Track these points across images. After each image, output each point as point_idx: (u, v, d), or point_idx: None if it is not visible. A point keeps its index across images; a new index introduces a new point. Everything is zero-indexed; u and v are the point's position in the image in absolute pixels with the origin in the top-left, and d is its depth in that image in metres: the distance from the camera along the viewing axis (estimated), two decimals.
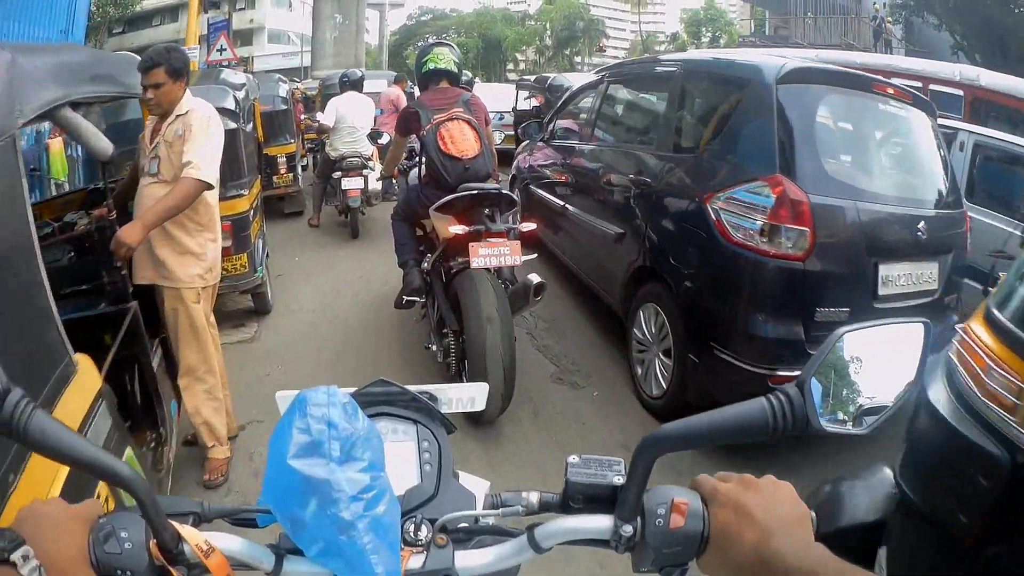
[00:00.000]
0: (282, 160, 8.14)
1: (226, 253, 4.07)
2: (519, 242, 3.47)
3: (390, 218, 4.24)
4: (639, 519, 0.70)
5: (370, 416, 0.75)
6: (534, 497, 0.77)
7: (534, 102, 11.98)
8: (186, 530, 0.69)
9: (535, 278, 3.56)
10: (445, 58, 3.86)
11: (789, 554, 0.63)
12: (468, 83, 9.01)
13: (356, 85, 7.81)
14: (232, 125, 4.32)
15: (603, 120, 5.25)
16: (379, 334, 4.86)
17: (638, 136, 4.77)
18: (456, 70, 3.93)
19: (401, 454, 0.84)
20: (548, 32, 58.30)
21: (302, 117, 10.15)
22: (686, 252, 3.49)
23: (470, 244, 3.35)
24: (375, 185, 7.36)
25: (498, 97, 12.02)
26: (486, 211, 3.55)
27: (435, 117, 3.61)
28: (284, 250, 6.92)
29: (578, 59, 58.74)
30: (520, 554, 0.74)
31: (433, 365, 3.98)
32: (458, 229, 3.41)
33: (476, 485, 0.88)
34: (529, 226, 3.72)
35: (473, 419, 3.46)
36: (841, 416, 0.71)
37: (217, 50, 15.25)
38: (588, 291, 5.06)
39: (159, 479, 2.50)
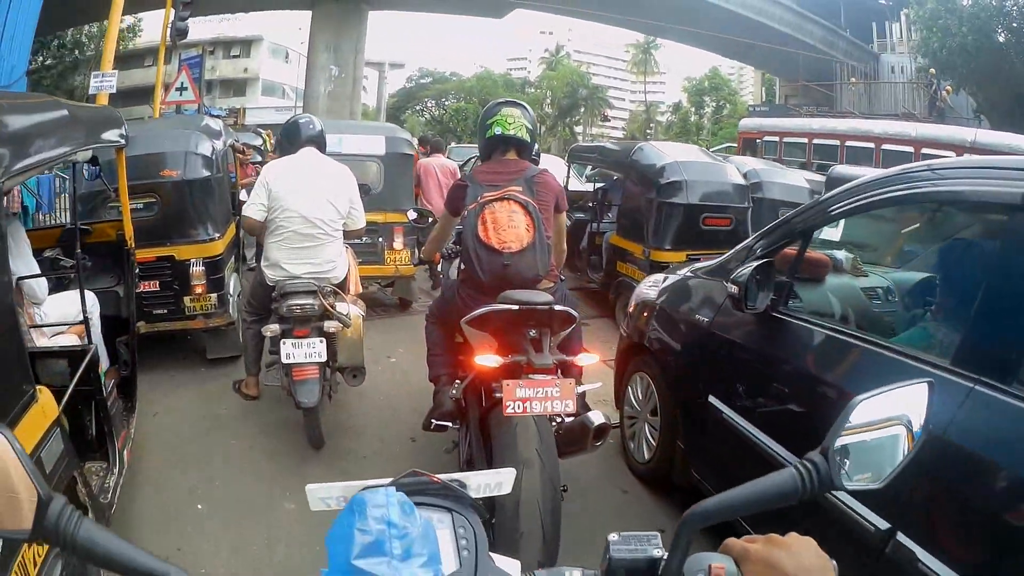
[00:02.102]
0: (197, 269, 4.68)
1: None
2: (573, 381, 2.70)
3: (425, 318, 3.49)
4: None
5: None
6: (576, 574, 0.81)
7: (574, 182, 8.63)
8: None
9: (597, 417, 2.69)
10: (515, 122, 3.16)
11: None
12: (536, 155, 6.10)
13: (312, 141, 3.99)
14: None
15: None
16: None
17: None
18: (528, 139, 3.21)
19: (439, 541, 0.81)
20: (548, 100, 57.51)
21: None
22: None
23: (504, 383, 2.56)
24: (352, 349, 3.84)
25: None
26: (532, 333, 2.72)
27: (484, 195, 2.96)
28: (168, 486, 3.38)
29: (579, 128, 59.31)
30: None
31: None
32: (488, 362, 2.66)
33: (509, 565, 0.89)
34: (591, 359, 2.89)
35: None
36: (861, 474, 0.81)
37: (177, 89, 12.69)
38: None
39: (104, 506, 2.57)
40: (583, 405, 2.97)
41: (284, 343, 3.48)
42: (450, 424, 3.16)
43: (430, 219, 4.29)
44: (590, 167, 9.40)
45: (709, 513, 0.77)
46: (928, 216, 3.12)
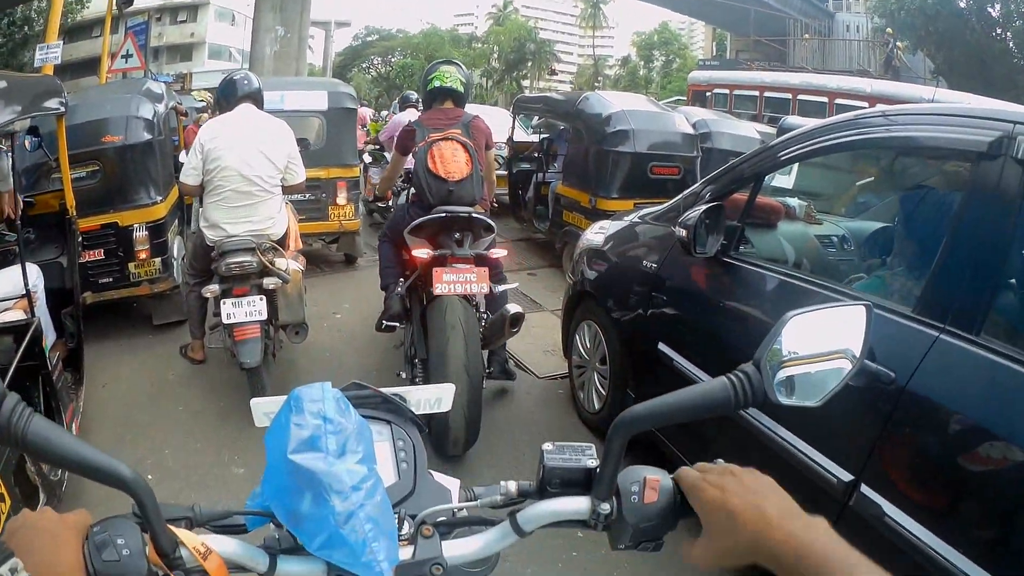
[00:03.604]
0: (141, 234, 4.58)
1: None
2: (486, 269, 3.37)
3: (378, 239, 4.10)
4: (615, 498, 0.77)
5: None
6: (512, 486, 0.82)
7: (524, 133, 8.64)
8: (183, 533, 0.69)
9: (512, 308, 3.31)
10: (451, 77, 3.76)
11: (798, 532, 0.67)
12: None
13: (249, 96, 3.85)
14: None
15: None
16: None
17: None
18: (462, 90, 3.79)
19: (378, 453, 0.83)
20: (495, 55, 56.82)
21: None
22: None
23: (433, 269, 3.28)
24: (292, 305, 3.76)
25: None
26: (456, 235, 3.44)
27: (430, 136, 3.53)
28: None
29: (526, 83, 58.36)
30: (504, 539, 0.79)
31: None
32: (422, 253, 3.36)
33: (448, 482, 0.90)
34: (500, 252, 3.57)
35: (439, 454, 3.16)
36: (795, 390, 0.78)
37: (122, 56, 12.10)
38: None
39: (54, 484, 2.51)
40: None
41: (224, 303, 3.45)
42: (398, 324, 3.73)
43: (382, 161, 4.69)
44: (536, 118, 9.34)
45: (638, 419, 0.75)
46: (881, 164, 3.10)
